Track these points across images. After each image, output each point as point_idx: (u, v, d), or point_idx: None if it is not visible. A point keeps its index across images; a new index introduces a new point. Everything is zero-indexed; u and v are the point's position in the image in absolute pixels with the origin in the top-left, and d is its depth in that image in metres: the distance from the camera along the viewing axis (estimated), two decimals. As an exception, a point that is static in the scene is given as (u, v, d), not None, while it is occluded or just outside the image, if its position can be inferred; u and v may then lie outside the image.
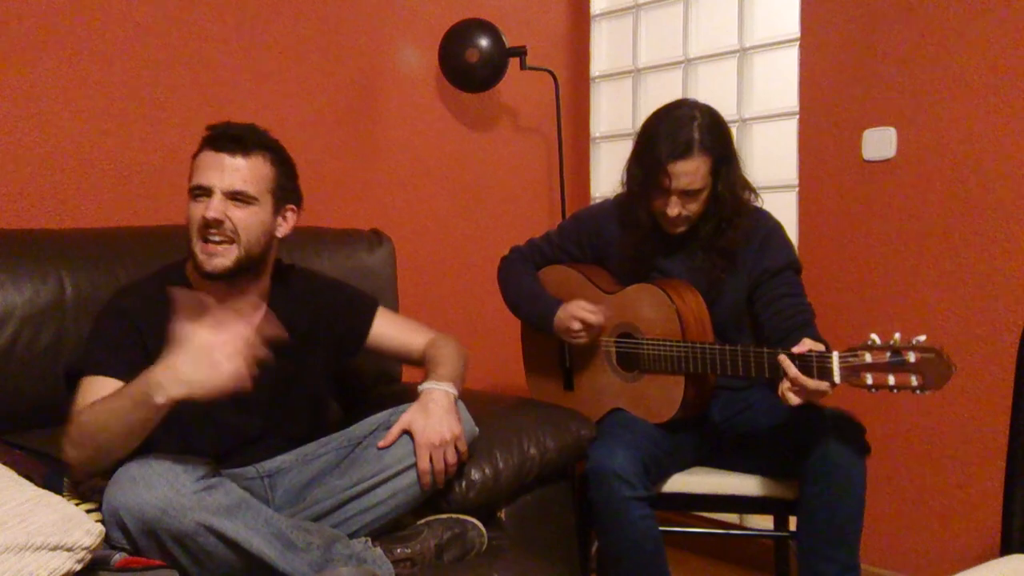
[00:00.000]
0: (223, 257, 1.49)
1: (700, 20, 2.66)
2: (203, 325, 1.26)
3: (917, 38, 2.15)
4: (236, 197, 1.49)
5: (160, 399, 1.25)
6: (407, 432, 1.54)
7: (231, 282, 1.54)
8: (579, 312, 1.88)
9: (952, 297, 2.13)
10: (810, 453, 1.68)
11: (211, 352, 1.24)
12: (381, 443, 1.54)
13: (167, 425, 1.32)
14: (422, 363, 1.73)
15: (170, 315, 1.31)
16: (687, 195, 1.79)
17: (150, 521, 1.20)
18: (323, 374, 1.72)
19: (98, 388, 1.38)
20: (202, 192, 1.49)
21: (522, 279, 2.06)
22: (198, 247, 1.49)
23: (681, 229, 1.86)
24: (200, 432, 1.50)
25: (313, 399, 1.69)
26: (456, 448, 1.55)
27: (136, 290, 1.55)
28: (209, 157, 1.50)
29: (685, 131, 1.76)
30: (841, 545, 1.67)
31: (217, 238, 1.48)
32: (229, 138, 1.51)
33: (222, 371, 1.24)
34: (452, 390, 1.61)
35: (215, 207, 1.47)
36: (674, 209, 1.80)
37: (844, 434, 1.67)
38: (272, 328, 1.36)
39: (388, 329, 1.77)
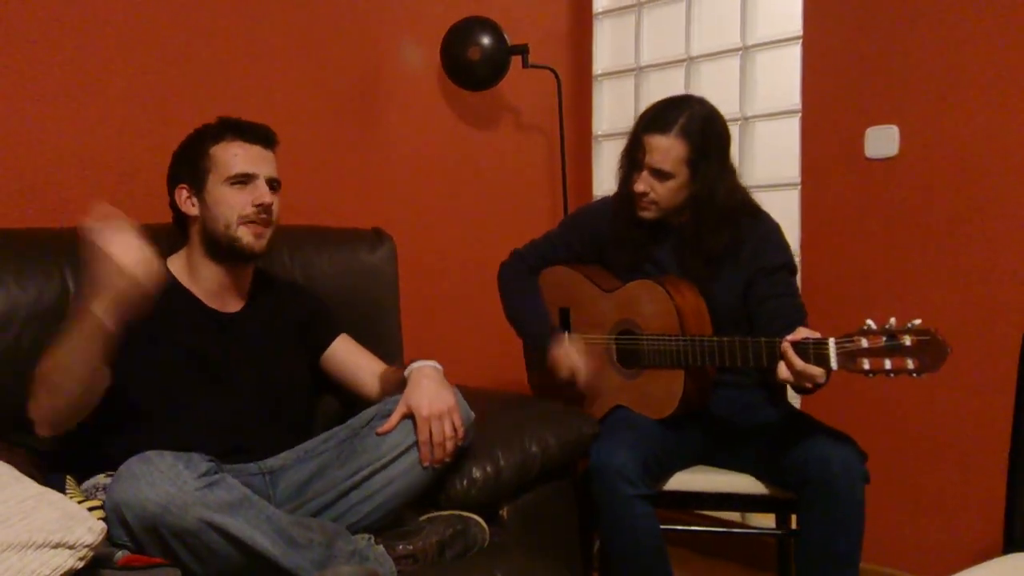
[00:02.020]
0: (265, 238, 1.60)
1: (703, 18, 2.66)
2: (105, 237, 1.30)
3: (920, 36, 2.15)
4: (273, 185, 1.61)
5: (96, 309, 1.29)
6: (407, 416, 1.54)
7: (240, 268, 1.63)
8: (572, 362, 1.90)
9: (955, 294, 2.13)
10: (811, 479, 1.67)
11: (116, 251, 1.28)
12: (381, 428, 1.54)
13: (167, 423, 1.31)
14: (374, 392, 1.73)
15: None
16: (656, 174, 1.80)
17: (152, 518, 1.20)
18: (307, 366, 1.76)
19: None
20: (247, 179, 1.57)
21: (520, 294, 2.06)
22: (244, 229, 1.57)
23: (648, 214, 1.87)
24: (200, 427, 1.52)
25: (304, 388, 1.73)
26: (452, 421, 1.54)
27: None
28: (244, 148, 1.58)
29: (673, 112, 1.80)
30: (840, 571, 1.66)
31: (264, 218, 1.58)
32: (256, 132, 1.61)
33: (131, 262, 1.28)
34: (438, 365, 1.63)
35: (269, 192, 1.58)
36: (640, 185, 1.83)
37: (846, 461, 1.65)
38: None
39: (349, 347, 1.79)
